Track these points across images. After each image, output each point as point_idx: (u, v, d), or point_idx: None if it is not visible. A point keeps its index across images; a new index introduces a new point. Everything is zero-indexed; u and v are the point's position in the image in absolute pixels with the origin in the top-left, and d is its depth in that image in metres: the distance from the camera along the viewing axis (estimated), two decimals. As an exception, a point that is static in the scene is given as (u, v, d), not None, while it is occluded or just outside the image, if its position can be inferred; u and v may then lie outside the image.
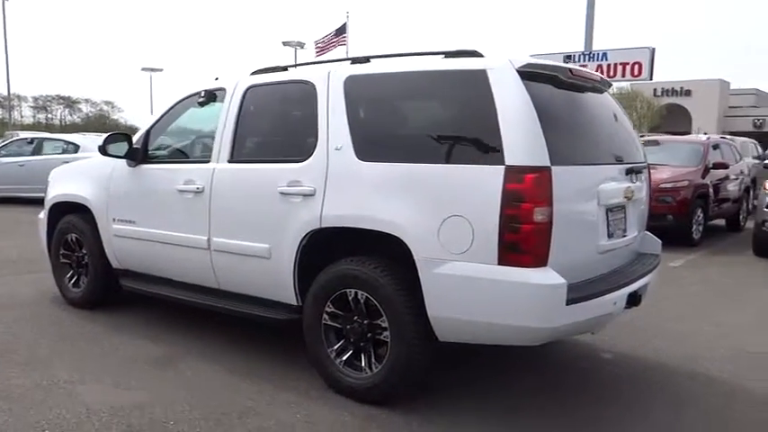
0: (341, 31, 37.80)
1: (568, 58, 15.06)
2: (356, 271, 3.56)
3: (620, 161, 3.82)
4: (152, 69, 49.17)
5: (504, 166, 3.09)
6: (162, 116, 4.89)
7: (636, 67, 14.89)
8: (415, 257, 3.32)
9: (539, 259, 3.09)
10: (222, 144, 4.29)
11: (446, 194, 3.26)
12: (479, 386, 3.90)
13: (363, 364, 3.62)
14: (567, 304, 3.10)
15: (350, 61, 4.00)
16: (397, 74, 3.67)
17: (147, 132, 4.88)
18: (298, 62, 4.35)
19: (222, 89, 4.46)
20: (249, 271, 4.11)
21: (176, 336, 4.71)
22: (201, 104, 4.58)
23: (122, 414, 3.39)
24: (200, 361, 4.21)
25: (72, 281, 5.49)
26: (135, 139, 4.90)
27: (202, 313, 4.89)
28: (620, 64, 14.96)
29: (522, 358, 4.34)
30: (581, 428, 3.40)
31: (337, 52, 40.21)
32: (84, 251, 5.32)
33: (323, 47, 38.29)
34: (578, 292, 3.17)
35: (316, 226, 3.71)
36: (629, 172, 3.84)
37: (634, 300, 3.58)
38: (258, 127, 4.35)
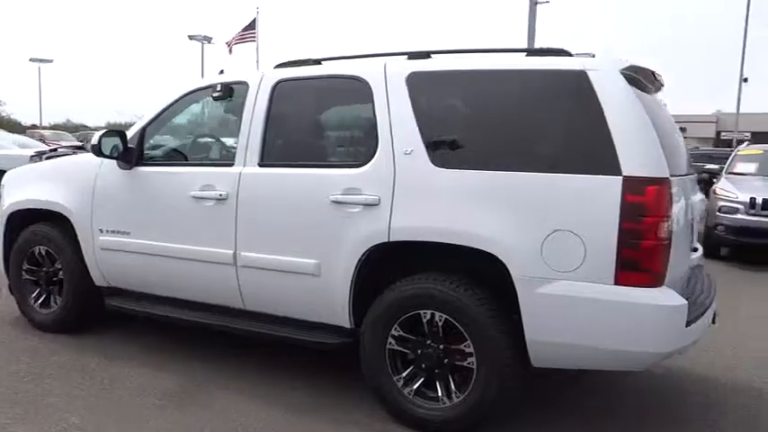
0: (250, 26, 36.64)
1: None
2: (434, 290, 3.19)
3: (694, 171, 3.70)
4: (41, 60, 45.40)
5: (621, 177, 2.84)
6: (161, 112, 4.25)
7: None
8: (513, 276, 3.00)
9: (658, 278, 2.86)
10: (250, 145, 3.76)
11: (550, 207, 2.96)
12: (549, 410, 3.63)
13: (440, 393, 3.26)
14: (686, 326, 2.90)
15: (406, 56, 3.62)
16: (474, 72, 3.32)
17: (143, 130, 4.23)
18: (329, 56, 3.89)
19: (243, 83, 3.92)
20: (290, 290, 3.63)
21: (184, 363, 4.10)
22: (217, 99, 4.03)
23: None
24: (226, 392, 3.67)
25: (40, 301, 4.71)
26: (129, 137, 4.24)
27: (205, 336, 4.35)
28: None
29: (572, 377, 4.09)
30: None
31: (246, 48, 38.92)
32: (58, 266, 4.58)
33: (231, 42, 37.02)
34: (691, 313, 2.97)
35: (382, 239, 3.30)
36: (699, 182, 3.73)
37: (714, 318, 3.44)
38: (294, 127, 3.86)
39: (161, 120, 4.27)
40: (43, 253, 4.64)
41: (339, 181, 3.44)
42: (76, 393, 3.61)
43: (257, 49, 37.01)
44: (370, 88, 3.48)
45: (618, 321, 2.86)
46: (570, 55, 3.23)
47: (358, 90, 3.53)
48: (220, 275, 3.83)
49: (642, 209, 2.81)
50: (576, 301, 2.90)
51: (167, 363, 4.11)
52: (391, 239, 3.28)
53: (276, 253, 3.62)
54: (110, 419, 3.31)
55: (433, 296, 3.19)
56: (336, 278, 3.44)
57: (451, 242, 3.13)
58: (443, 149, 3.24)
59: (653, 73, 3.41)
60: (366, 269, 3.41)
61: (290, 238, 3.58)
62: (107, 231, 4.26)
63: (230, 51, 36.42)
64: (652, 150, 2.90)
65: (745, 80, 28.06)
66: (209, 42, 37.22)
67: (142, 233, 4.12)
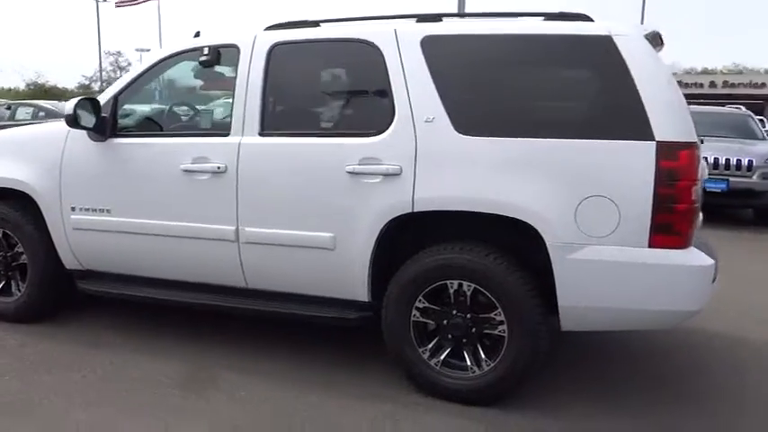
0: (150, -17, 34.54)
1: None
2: (463, 260, 3.15)
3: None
4: None
5: (654, 142, 2.88)
6: (135, 79, 3.88)
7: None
8: (547, 243, 3.00)
9: (687, 240, 2.96)
10: (247, 114, 3.52)
11: (583, 172, 2.97)
12: (576, 374, 3.68)
13: (468, 362, 3.25)
14: (711, 283, 3.03)
15: (415, 19, 3.48)
16: (495, 36, 3.24)
17: (116, 98, 3.87)
18: (327, 19, 3.68)
19: (233, 46, 3.65)
20: (301, 265, 3.47)
21: (178, 348, 3.86)
22: (204, 64, 3.73)
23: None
24: (243, 375, 3.49)
25: (-2, 288, 4.28)
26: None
27: (185, 317, 4.18)
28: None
29: (607, 343, 4.11)
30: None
31: (146, 7, 36.72)
32: (19, 250, 4.15)
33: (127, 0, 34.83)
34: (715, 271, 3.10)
35: (405, 210, 3.21)
36: None
37: None
38: (297, 93, 3.65)
39: (136, 86, 3.91)
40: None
41: (354, 151, 3.29)
42: (77, 388, 3.32)
43: (158, 8, 35.05)
44: (380, 53, 3.33)
45: (653, 283, 2.94)
46: (590, 20, 3.23)
47: (367, 54, 3.37)
48: (220, 253, 3.61)
49: (675, 173, 2.88)
50: (610, 265, 2.95)
51: (159, 348, 3.85)
52: (416, 210, 3.19)
53: (285, 227, 3.45)
54: (127, 415, 3.07)
55: (463, 266, 3.15)
56: (354, 251, 3.33)
57: (483, 211, 3.09)
58: (467, 116, 3.16)
59: (660, 36, 3.47)
60: (385, 241, 3.32)
61: (301, 212, 3.42)
62: (81, 210, 3.90)
63: (120, 5, 34.16)
64: (681, 115, 2.96)
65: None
66: (105, 0, 34.77)
67: (125, 210, 3.80)
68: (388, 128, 3.26)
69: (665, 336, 4.17)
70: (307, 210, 3.40)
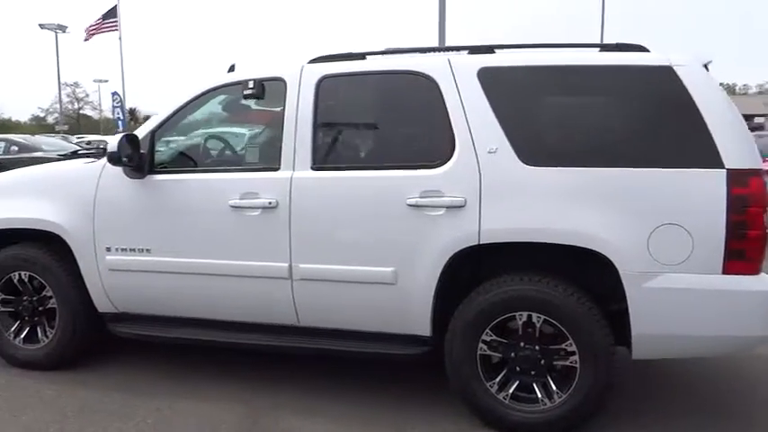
0: (110, 14, 34.18)
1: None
2: (533, 291, 3.12)
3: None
4: None
5: (725, 170, 2.93)
6: (174, 114, 3.77)
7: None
8: (620, 272, 3.00)
9: (758, 266, 2.99)
10: (298, 147, 3.46)
11: (655, 201, 3.00)
12: (628, 402, 3.68)
13: (539, 395, 3.20)
14: (780, 309, 3.06)
15: (467, 51, 3.49)
16: (555, 67, 3.26)
17: (153, 134, 3.75)
18: (372, 51, 3.66)
19: (279, 79, 3.59)
20: (360, 300, 3.39)
21: (227, 390, 3.70)
22: (249, 98, 3.66)
23: None
24: (303, 417, 3.37)
25: (22, 335, 4.05)
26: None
27: (221, 356, 4.07)
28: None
29: (653, 368, 4.05)
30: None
31: (107, 38, 36.48)
32: (47, 293, 3.96)
33: (90, 31, 34.44)
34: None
35: (471, 242, 3.17)
36: None
37: None
38: (349, 126, 3.61)
39: (174, 121, 3.80)
40: (25, 279, 4.00)
41: (415, 183, 3.26)
42: (131, 439, 3.16)
43: (120, 38, 34.64)
44: (436, 84, 3.32)
45: (727, 309, 2.96)
46: (647, 50, 3.28)
47: (421, 86, 3.36)
48: (271, 291, 3.50)
49: (746, 200, 2.92)
50: (685, 292, 2.96)
51: (202, 391, 3.70)
52: (482, 242, 3.16)
53: (343, 263, 3.37)
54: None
55: (533, 297, 3.13)
56: (417, 285, 3.27)
57: (554, 242, 3.08)
58: (531, 147, 3.16)
59: (707, 65, 3.55)
60: (446, 273, 3.27)
61: (360, 246, 3.35)
62: (117, 250, 3.75)
63: (87, 39, 33.92)
64: (747, 141, 3.02)
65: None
66: (64, 32, 34.24)
67: (167, 250, 3.66)
68: (449, 160, 3.23)
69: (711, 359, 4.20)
70: (366, 244, 3.34)
